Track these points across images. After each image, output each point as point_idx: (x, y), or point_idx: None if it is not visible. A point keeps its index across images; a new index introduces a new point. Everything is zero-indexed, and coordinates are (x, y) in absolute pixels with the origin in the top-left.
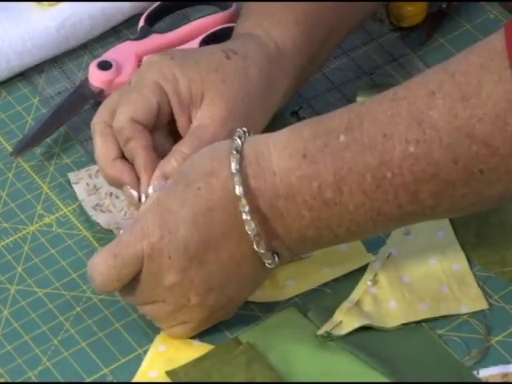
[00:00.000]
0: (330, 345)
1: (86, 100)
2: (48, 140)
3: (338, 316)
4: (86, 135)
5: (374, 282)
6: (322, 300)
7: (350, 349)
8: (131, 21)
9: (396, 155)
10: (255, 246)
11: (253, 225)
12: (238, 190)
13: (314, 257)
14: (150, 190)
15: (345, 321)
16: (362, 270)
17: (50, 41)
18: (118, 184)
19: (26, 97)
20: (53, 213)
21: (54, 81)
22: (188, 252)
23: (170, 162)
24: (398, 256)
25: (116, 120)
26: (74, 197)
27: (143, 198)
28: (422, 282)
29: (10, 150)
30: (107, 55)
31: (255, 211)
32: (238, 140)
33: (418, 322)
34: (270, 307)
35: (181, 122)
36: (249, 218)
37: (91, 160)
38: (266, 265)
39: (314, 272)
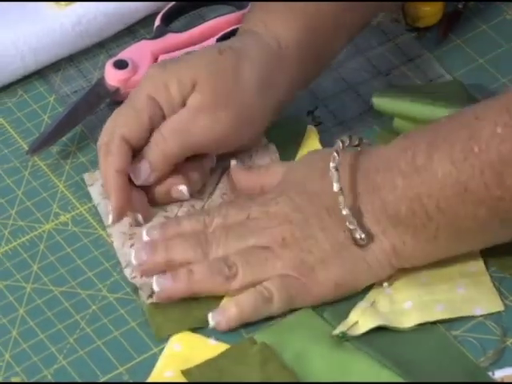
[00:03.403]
0: (346, 345)
1: (102, 99)
2: (64, 139)
3: (353, 316)
4: None
5: (390, 282)
6: (338, 300)
7: (365, 349)
8: (147, 20)
9: (484, 133)
10: (347, 223)
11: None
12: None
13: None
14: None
15: (360, 321)
16: None
17: (65, 38)
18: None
19: (43, 95)
20: (69, 211)
21: (70, 79)
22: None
23: (153, 149)
24: None
25: (108, 136)
26: (89, 196)
27: (110, 219)
28: (438, 282)
29: (26, 148)
30: (123, 54)
31: (350, 185)
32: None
33: (434, 323)
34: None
35: None
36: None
37: None
38: (359, 242)
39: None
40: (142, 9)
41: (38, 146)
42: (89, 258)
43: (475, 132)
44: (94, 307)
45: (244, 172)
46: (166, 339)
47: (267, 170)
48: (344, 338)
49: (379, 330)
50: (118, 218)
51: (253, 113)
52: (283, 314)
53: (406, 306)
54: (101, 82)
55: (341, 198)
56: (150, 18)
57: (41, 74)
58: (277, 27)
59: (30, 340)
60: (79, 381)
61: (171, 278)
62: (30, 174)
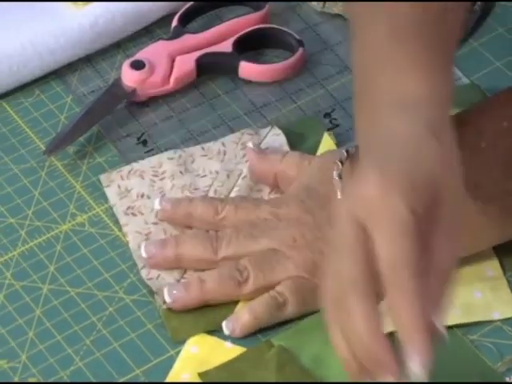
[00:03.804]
0: None
1: (119, 99)
2: (81, 139)
3: None
4: (119, 134)
5: None
6: None
7: None
8: (164, 20)
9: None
10: None
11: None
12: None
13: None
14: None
15: None
16: None
17: (82, 38)
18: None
19: (59, 95)
20: (85, 212)
21: (87, 79)
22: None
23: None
24: None
25: (345, 292)
26: (106, 196)
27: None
28: (455, 287)
29: (43, 148)
30: (140, 55)
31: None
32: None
33: (451, 327)
34: None
35: None
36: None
37: (123, 159)
38: None
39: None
40: (159, 9)
41: (55, 147)
42: (105, 259)
43: (481, 128)
44: (110, 309)
45: (258, 157)
46: (182, 342)
47: (281, 159)
48: None
49: (396, 333)
50: None
51: None
52: (299, 317)
53: None
54: (117, 82)
55: None
56: (167, 18)
57: (58, 73)
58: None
59: (47, 341)
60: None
61: (183, 288)
62: (47, 174)
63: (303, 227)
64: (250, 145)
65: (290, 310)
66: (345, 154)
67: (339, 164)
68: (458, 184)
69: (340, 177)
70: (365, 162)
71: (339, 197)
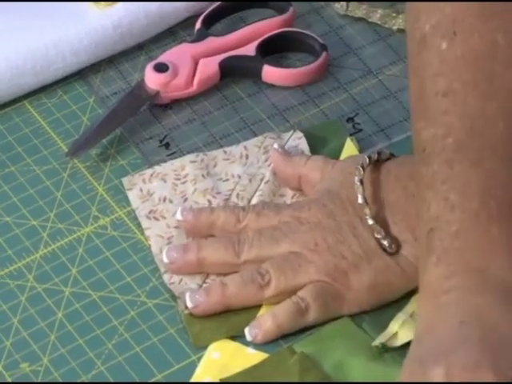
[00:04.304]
0: (384, 356)
1: (142, 102)
2: (103, 141)
3: (392, 327)
4: (142, 137)
5: None
6: (377, 311)
7: (404, 360)
8: (187, 22)
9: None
10: (374, 233)
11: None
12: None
13: None
14: None
15: (400, 332)
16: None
17: (106, 39)
18: None
19: (82, 96)
20: (107, 215)
21: (109, 81)
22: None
23: None
24: None
25: None
26: (128, 199)
27: None
28: None
29: (65, 149)
30: (163, 57)
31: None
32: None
33: None
34: None
35: None
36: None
37: (146, 162)
38: (388, 250)
39: None
40: (183, 10)
41: (78, 148)
42: (128, 262)
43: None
44: (132, 313)
45: (283, 159)
46: (204, 347)
47: (306, 162)
48: (383, 349)
49: None
50: None
51: None
52: (321, 324)
53: None
54: (141, 84)
55: (366, 210)
56: (190, 19)
57: (81, 74)
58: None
59: (69, 345)
60: None
61: (204, 292)
62: (69, 176)
63: (325, 231)
64: (276, 145)
65: (313, 316)
66: (367, 159)
67: (361, 169)
68: None
69: (361, 182)
70: None
71: (360, 201)
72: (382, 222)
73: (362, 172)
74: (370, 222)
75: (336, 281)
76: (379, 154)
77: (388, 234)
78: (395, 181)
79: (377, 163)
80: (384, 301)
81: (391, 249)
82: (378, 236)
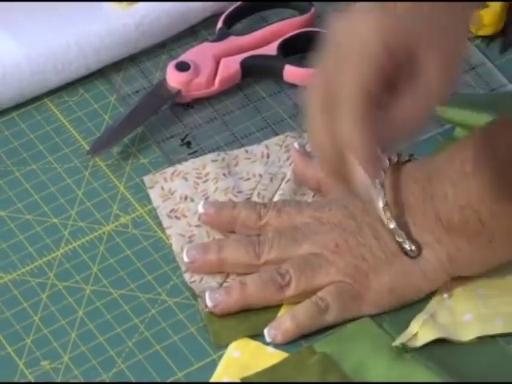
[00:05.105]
0: (405, 356)
1: (164, 100)
2: (125, 140)
3: (413, 327)
4: (163, 136)
5: (450, 294)
6: (397, 311)
7: (424, 361)
8: (209, 21)
9: None
10: (396, 236)
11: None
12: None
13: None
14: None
15: (420, 333)
16: None
17: (127, 38)
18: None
19: (103, 95)
20: (129, 213)
21: (131, 79)
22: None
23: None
24: None
25: (343, 95)
26: (149, 198)
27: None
28: (498, 296)
29: (87, 147)
30: (185, 56)
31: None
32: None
33: (493, 337)
34: None
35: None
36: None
37: (167, 161)
38: (409, 253)
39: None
40: (204, 9)
41: (99, 147)
42: (148, 260)
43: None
44: (153, 311)
45: (303, 160)
46: (224, 346)
47: None
48: (404, 349)
49: (438, 341)
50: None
51: None
52: (342, 323)
53: (465, 318)
54: (162, 83)
55: (387, 214)
56: (211, 19)
57: (102, 73)
58: None
59: (89, 343)
60: None
61: (224, 291)
62: (91, 174)
63: (345, 232)
64: (296, 145)
65: (332, 316)
66: (387, 162)
67: (382, 173)
68: (442, 57)
69: (382, 185)
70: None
71: (381, 205)
72: (402, 225)
73: (382, 175)
74: (392, 225)
75: (356, 282)
76: (399, 155)
77: (409, 237)
78: (414, 183)
79: (396, 165)
80: (404, 303)
81: (412, 252)
82: (400, 239)
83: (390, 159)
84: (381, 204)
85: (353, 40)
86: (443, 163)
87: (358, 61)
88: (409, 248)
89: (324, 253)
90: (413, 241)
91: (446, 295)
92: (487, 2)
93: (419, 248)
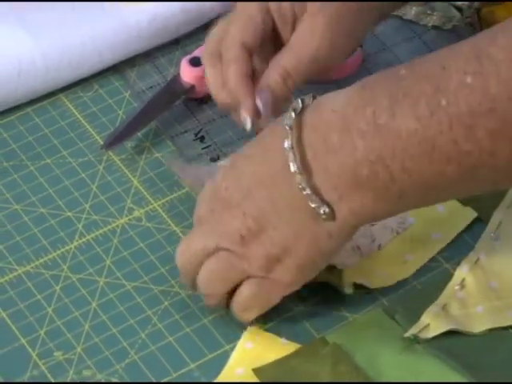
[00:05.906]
0: (417, 348)
1: (177, 95)
2: (139, 134)
3: (425, 319)
4: (177, 130)
5: (462, 286)
6: (409, 302)
7: (436, 352)
8: (222, 18)
9: (452, 84)
10: (309, 202)
11: (298, 164)
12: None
13: (418, 224)
14: (258, 102)
15: (432, 324)
16: (449, 275)
17: (141, 34)
18: (229, 109)
19: (118, 90)
20: (142, 207)
21: (145, 75)
22: (241, 184)
23: (273, 76)
24: (486, 261)
25: (225, 45)
26: (163, 191)
27: (248, 124)
28: (510, 288)
29: (101, 142)
30: (198, 52)
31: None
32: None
33: (505, 328)
34: (357, 307)
35: (285, 39)
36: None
37: (181, 155)
38: (318, 212)
39: (426, 240)
40: (218, 7)
41: (113, 141)
42: (162, 253)
43: (441, 83)
44: (166, 303)
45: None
46: (237, 337)
47: None
48: (415, 340)
49: (449, 333)
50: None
51: (354, 38)
52: (354, 315)
53: (477, 310)
54: (176, 78)
55: (298, 178)
56: (225, 15)
57: (117, 69)
58: None
59: (102, 334)
60: (150, 376)
61: None
62: (105, 168)
63: (246, 218)
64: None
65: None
66: (293, 114)
67: (288, 130)
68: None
69: (292, 147)
70: None
71: (292, 170)
72: (312, 187)
73: (289, 133)
74: (307, 191)
75: (269, 272)
76: (303, 101)
77: (322, 200)
78: (313, 132)
79: (300, 115)
80: (317, 271)
81: (325, 215)
82: (314, 205)
83: (294, 109)
84: (292, 169)
85: (239, 9)
86: (351, 112)
87: (237, 19)
88: (322, 212)
89: (233, 248)
90: (326, 203)
91: (457, 287)
92: None
93: (332, 209)
